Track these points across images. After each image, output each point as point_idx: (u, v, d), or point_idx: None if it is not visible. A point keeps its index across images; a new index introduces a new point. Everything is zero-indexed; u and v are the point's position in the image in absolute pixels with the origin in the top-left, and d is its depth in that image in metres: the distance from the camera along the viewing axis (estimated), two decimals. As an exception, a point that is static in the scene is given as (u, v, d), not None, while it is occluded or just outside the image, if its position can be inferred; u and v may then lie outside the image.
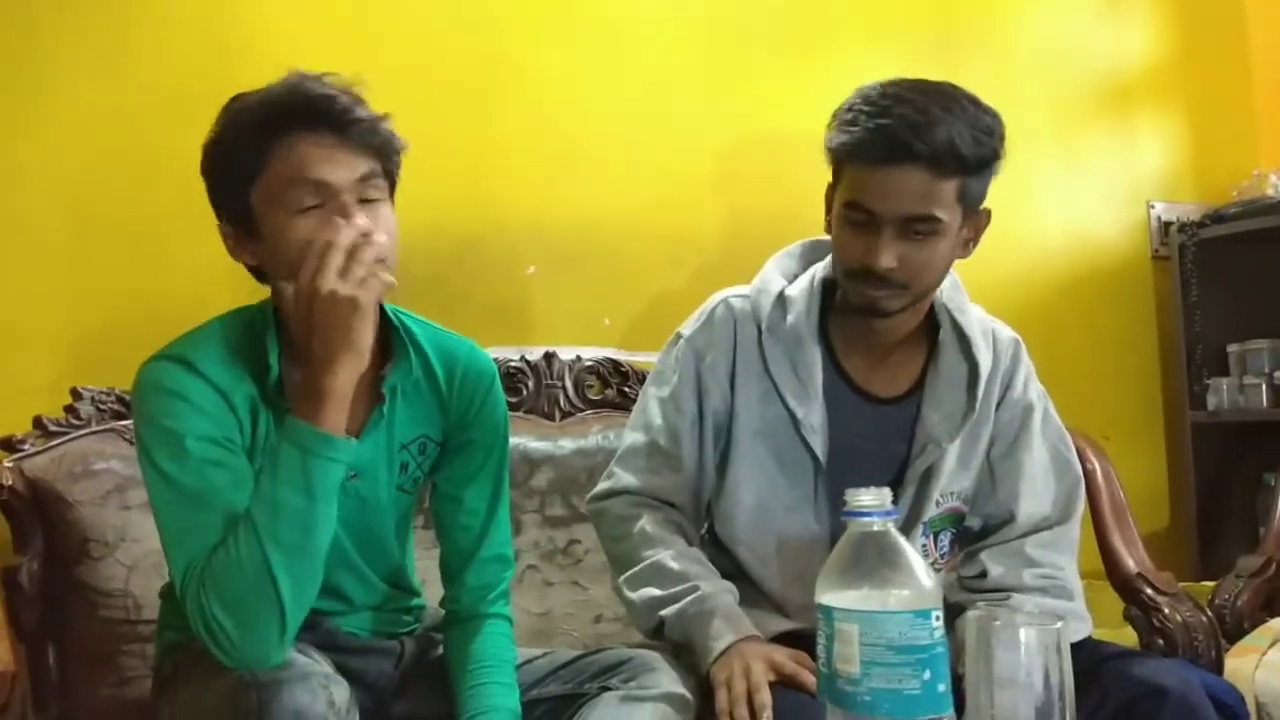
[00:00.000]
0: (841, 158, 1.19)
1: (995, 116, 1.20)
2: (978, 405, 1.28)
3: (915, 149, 1.13)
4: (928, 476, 1.28)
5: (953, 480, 1.30)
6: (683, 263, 1.98)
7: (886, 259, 1.17)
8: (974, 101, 1.19)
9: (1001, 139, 1.19)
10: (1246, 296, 2.34)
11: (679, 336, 1.35)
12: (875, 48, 2.15)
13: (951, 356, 1.29)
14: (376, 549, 1.21)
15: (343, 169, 1.05)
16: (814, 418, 1.27)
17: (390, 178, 1.11)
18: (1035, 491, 1.31)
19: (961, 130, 1.14)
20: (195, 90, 1.72)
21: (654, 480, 1.30)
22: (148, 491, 1.06)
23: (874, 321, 1.26)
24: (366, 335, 1.03)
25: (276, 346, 1.10)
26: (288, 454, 1.01)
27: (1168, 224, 2.39)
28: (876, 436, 1.29)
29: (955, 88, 1.20)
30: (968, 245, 1.25)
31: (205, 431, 1.05)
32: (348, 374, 1.02)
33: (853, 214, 1.19)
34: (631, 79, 2.00)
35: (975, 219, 1.23)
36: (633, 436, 1.33)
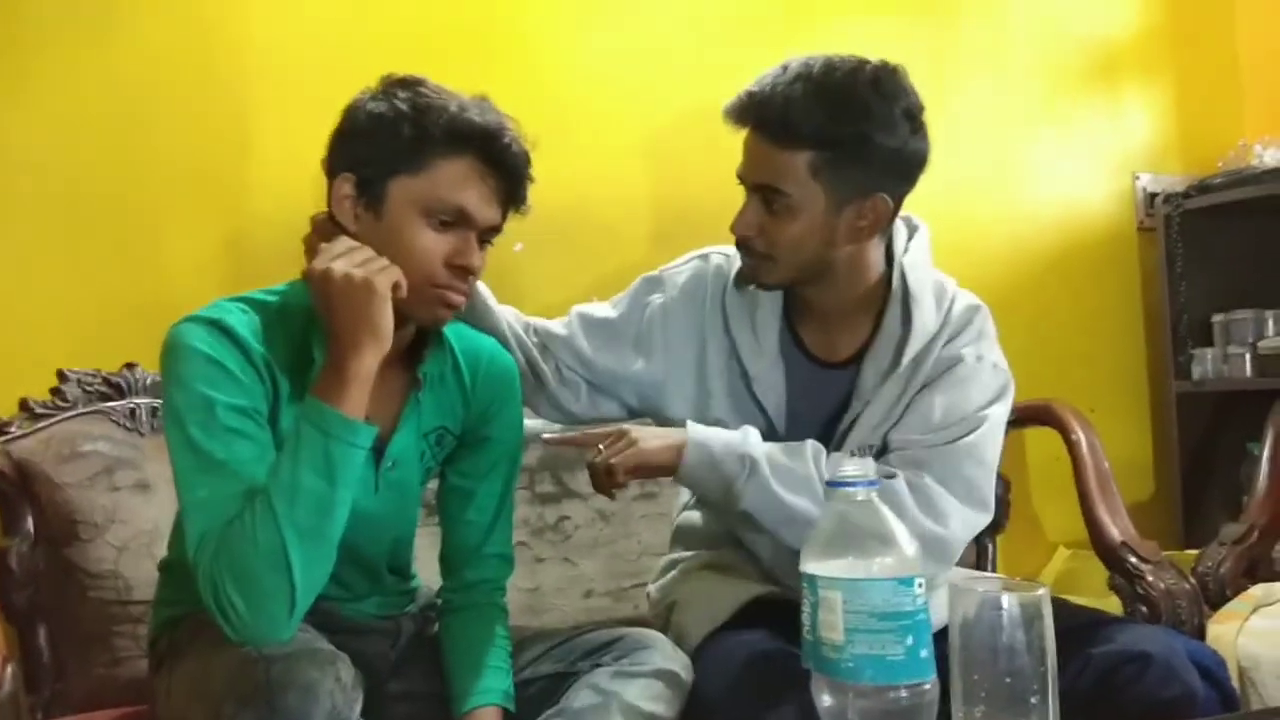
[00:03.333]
0: None
1: (889, 101, 1.17)
2: (903, 362, 1.26)
3: (748, 115, 1.20)
4: (849, 431, 1.28)
5: (873, 434, 1.27)
6: (673, 237, 1.95)
7: (739, 224, 1.23)
8: (868, 82, 1.17)
9: (885, 125, 1.16)
10: (1231, 267, 2.35)
11: (648, 280, 1.36)
12: (868, 17, 2.13)
13: (892, 319, 1.28)
14: (398, 544, 1.22)
15: (489, 210, 1.10)
16: (766, 376, 1.28)
17: None
18: (918, 424, 1.25)
19: (807, 105, 1.15)
20: (185, 69, 1.72)
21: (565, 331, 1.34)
22: (170, 453, 1.05)
23: (798, 291, 1.28)
24: (387, 319, 1.03)
25: (320, 334, 1.08)
26: (309, 436, 1.00)
27: (1153, 195, 2.39)
28: (822, 400, 1.30)
29: (860, 68, 1.18)
30: (860, 232, 1.22)
31: (235, 401, 1.04)
32: (372, 358, 1.02)
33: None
34: (622, 50, 1.99)
35: (860, 203, 1.20)
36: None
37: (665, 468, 1.20)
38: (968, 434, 1.24)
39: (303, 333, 1.10)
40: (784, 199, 1.19)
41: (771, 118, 1.17)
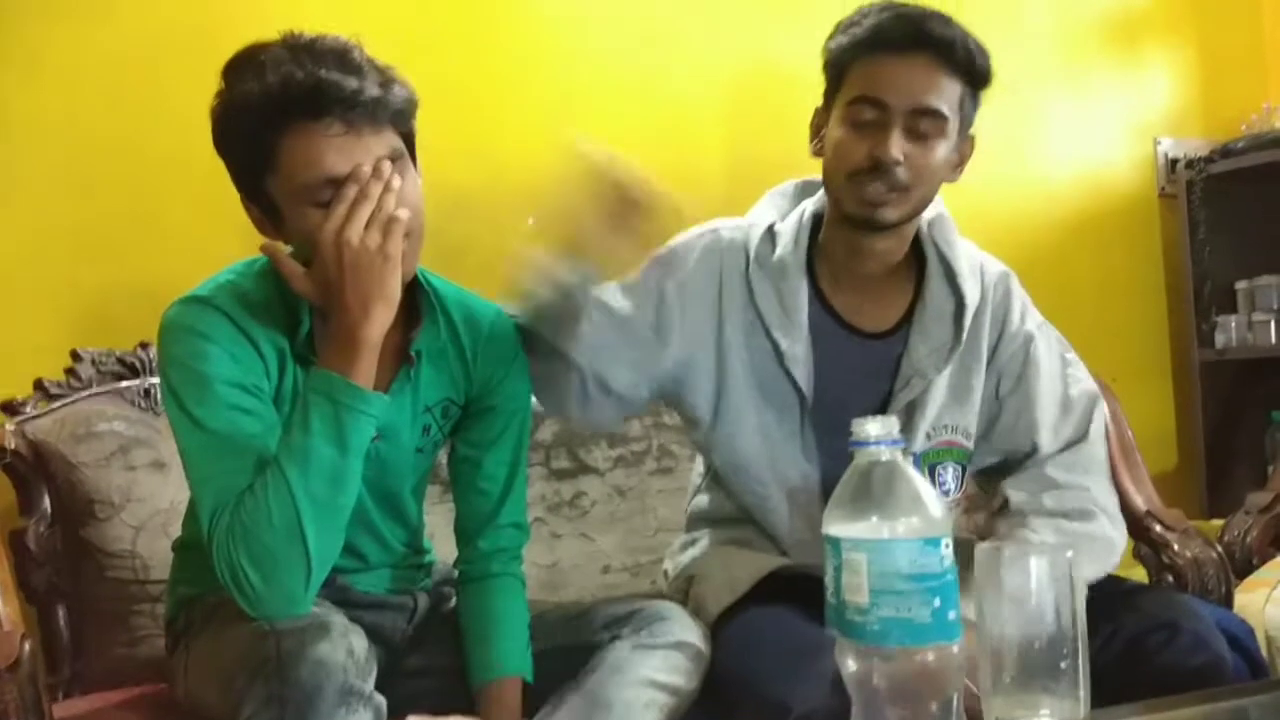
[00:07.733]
0: (851, 55, 1.20)
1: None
2: (964, 337, 1.27)
3: (929, 34, 1.17)
4: (912, 410, 1.26)
5: (945, 414, 1.28)
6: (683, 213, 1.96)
7: (893, 150, 1.17)
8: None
9: (990, 69, 1.22)
10: (1255, 232, 2.32)
11: (658, 262, 1.30)
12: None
13: (939, 289, 1.28)
14: (395, 511, 1.20)
15: (355, 156, 1.01)
16: (798, 350, 1.25)
17: (407, 140, 1.08)
18: (1052, 421, 1.30)
19: (966, 34, 1.19)
20: (187, 40, 1.70)
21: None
22: (174, 433, 1.05)
23: (863, 244, 1.25)
24: (397, 285, 1.02)
25: (307, 301, 1.08)
26: (319, 405, 1.00)
27: (1174, 160, 2.36)
28: (862, 371, 1.27)
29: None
30: (954, 170, 1.25)
31: (233, 376, 1.04)
32: (380, 325, 1.02)
33: (862, 111, 1.18)
34: (630, 19, 1.97)
35: (963, 140, 1.24)
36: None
37: None
38: (1090, 421, 1.31)
39: (291, 299, 1.08)
40: (940, 123, 1.19)
41: (948, 42, 1.18)
